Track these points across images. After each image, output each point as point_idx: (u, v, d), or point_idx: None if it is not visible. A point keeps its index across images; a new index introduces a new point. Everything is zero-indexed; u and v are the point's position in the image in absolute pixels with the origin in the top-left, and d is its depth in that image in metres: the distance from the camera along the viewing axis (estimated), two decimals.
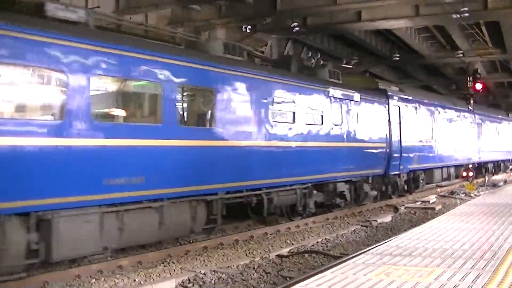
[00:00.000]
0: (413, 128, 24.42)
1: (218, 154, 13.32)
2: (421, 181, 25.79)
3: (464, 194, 25.96)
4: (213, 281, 10.38)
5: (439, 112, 28.08)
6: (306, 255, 12.79)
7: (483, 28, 28.02)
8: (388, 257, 8.39)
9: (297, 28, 23.25)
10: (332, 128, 18.22)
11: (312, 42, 28.76)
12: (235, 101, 14.05)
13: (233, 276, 10.73)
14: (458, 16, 21.24)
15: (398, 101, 23.16)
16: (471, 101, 30.28)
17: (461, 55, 31.16)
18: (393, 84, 25.75)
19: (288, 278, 10.58)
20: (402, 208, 21.37)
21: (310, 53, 20.82)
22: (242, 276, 10.79)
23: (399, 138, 22.82)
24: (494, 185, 30.56)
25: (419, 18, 23.21)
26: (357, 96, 19.88)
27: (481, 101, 43.05)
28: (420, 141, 25.14)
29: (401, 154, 22.82)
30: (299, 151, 16.39)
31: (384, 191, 22.89)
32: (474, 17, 23.15)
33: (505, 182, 32.97)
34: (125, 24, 18.29)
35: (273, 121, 15.35)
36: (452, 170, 30.40)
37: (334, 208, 19.30)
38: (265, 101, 15.06)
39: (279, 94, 15.85)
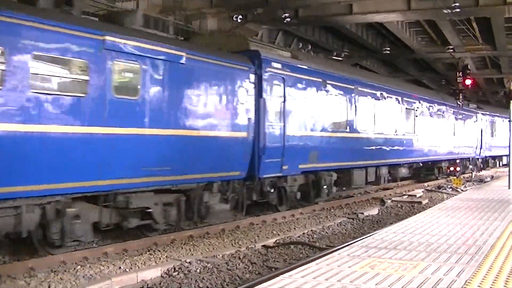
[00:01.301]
0: (312, 111, 17.59)
1: None
2: (325, 186, 18.66)
3: (451, 189, 26.11)
4: (198, 270, 10.39)
5: (360, 94, 20.85)
6: (292, 246, 12.82)
7: (474, 24, 28.08)
8: (373, 250, 8.42)
9: (288, 20, 23.18)
10: (114, 103, 11.13)
11: (303, 34, 28.69)
12: None
13: (218, 265, 10.74)
14: (450, 11, 21.28)
15: (281, 70, 16.10)
16: (461, 97, 30.39)
17: (452, 50, 31.22)
18: (285, 49, 18.38)
19: (273, 269, 10.60)
20: (389, 201, 21.44)
21: (301, 45, 20.75)
22: (228, 265, 10.80)
23: (282, 125, 15.97)
24: (481, 180, 30.75)
25: (411, 12, 23.22)
26: (179, 56, 12.69)
27: (471, 97, 43.27)
28: (325, 130, 18.33)
29: (285, 148, 15.92)
30: (13, 141, 9.47)
31: (256, 202, 16.10)
32: (466, 13, 23.20)
33: (492, 177, 33.14)
34: None
35: None
36: (384, 170, 23.67)
37: (151, 232, 12.85)
38: None
39: None
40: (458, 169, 31.61)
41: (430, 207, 16.29)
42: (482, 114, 38.90)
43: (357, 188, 23.53)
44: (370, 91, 21.77)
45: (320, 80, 18.12)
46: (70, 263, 10.37)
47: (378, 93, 22.35)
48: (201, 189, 13.52)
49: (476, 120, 37.50)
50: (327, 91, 18.52)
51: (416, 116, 26.45)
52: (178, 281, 9.76)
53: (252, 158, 14.86)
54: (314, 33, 29.69)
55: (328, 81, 18.56)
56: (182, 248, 12.05)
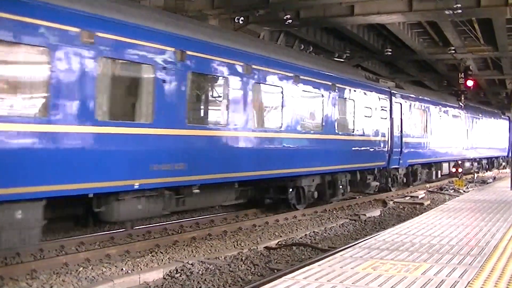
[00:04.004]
0: None
1: None
2: None
3: (453, 190, 26.10)
4: (200, 272, 10.39)
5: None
6: (294, 247, 12.81)
7: (476, 25, 28.07)
8: (375, 251, 8.41)
9: (290, 21, 23.18)
10: None
11: (304, 35, 28.68)
12: None
13: (220, 267, 10.74)
14: (451, 12, 21.25)
15: None
16: (462, 98, 30.39)
17: (453, 51, 31.17)
18: None
19: (275, 270, 10.59)
20: (391, 203, 21.43)
21: (303, 46, 20.76)
22: (230, 267, 10.80)
23: None
24: (483, 181, 30.73)
25: (412, 13, 23.19)
26: None
27: (472, 98, 43.07)
28: None
29: None
30: None
31: None
32: (467, 14, 23.16)
33: (494, 179, 33.12)
34: None
35: None
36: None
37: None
38: None
39: None
40: (460, 170, 31.40)
41: (432, 208, 16.30)
42: (402, 96, 24.76)
43: None
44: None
45: None
46: (72, 264, 10.38)
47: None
48: None
49: (390, 107, 23.31)
50: None
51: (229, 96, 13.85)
52: (180, 282, 9.76)
53: None
54: (316, 35, 29.68)
55: None
56: (184, 249, 12.06)
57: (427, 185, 28.58)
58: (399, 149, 23.90)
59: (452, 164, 31.54)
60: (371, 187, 22.19)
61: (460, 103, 30.57)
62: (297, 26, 25.71)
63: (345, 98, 19.55)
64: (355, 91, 20.27)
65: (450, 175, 31.59)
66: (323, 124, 17.97)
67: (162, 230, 13.91)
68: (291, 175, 16.54)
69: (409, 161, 25.28)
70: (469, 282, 6.48)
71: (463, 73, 29.16)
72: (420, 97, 27.57)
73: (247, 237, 13.70)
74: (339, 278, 6.67)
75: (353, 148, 20.00)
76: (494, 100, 53.61)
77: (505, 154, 45.73)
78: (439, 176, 30.45)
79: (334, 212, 18.81)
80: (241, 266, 10.98)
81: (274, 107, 15.90)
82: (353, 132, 20.06)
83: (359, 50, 33.18)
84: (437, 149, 29.18)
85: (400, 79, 35.67)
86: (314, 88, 17.56)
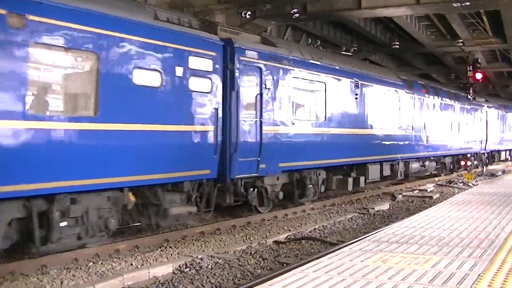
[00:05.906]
0: None
1: None
2: None
3: (462, 183, 26.03)
4: (209, 266, 10.41)
5: None
6: (303, 241, 12.82)
7: (484, 17, 27.92)
8: (385, 244, 8.40)
9: (297, 15, 23.13)
10: None
11: (312, 29, 28.62)
12: None
13: (230, 261, 10.76)
14: (459, 4, 21.14)
15: None
16: (471, 91, 30.24)
17: (461, 44, 31.02)
18: None
19: (285, 264, 10.61)
20: (400, 196, 21.39)
21: (310, 40, 20.70)
22: (239, 261, 10.82)
23: None
24: (492, 174, 30.66)
25: (420, 6, 23.06)
26: None
27: (481, 91, 42.81)
28: None
29: None
30: None
31: None
32: (475, 6, 23.04)
33: (503, 172, 33.01)
34: None
35: None
36: None
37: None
38: None
39: None
40: (469, 163, 31.15)
41: (441, 201, 16.25)
42: (263, 56, 14.69)
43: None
44: None
45: None
46: (82, 260, 10.42)
47: None
48: None
49: (226, 73, 13.49)
50: None
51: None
52: (190, 277, 9.78)
53: None
54: (323, 28, 29.61)
55: None
56: (193, 244, 12.08)
57: (436, 179, 28.50)
58: (257, 146, 14.35)
59: (387, 164, 22.00)
60: (171, 216, 12.26)
61: (469, 96, 30.39)
62: (304, 20, 25.64)
63: (68, 48, 9.71)
64: (110, 37, 10.34)
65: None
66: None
67: (171, 224, 13.91)
68: None
69: (283, 165, 15.49)
70: (479, 274, 6.47)
71: (471, 66, 29.03)
72: (313, 61, 17.18)
73: (256, 231, 13.71)
74: (349, 271, 6.67)
75: (118, 147, 10.58)
76: (502, 93, 53.38)
77: (478, 150, 35.31)
78: (362, 185, 20.16)
79: (343, 205, 18.80)
80: (250, 260, 10.99)
81: None
82: (101, 115, 10.18)
83: (366, 43, 33.09)
84: (355, 143, 19.32)
85: (407, 72, 35.59)
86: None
